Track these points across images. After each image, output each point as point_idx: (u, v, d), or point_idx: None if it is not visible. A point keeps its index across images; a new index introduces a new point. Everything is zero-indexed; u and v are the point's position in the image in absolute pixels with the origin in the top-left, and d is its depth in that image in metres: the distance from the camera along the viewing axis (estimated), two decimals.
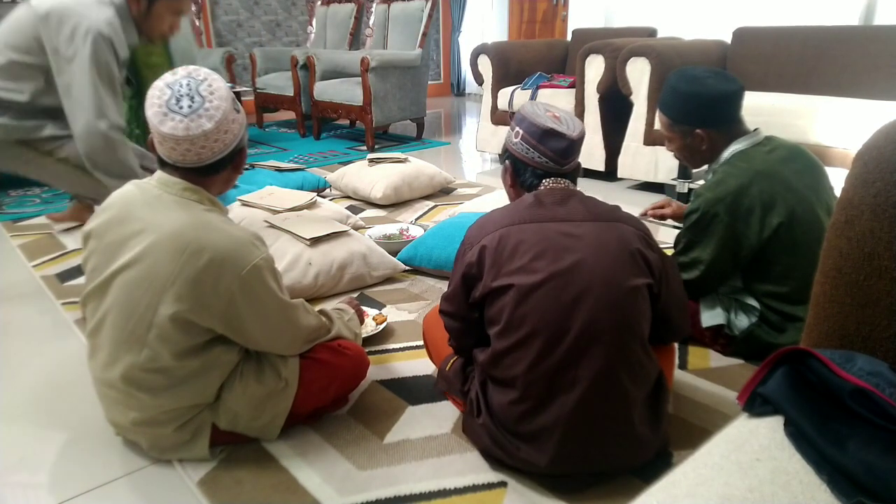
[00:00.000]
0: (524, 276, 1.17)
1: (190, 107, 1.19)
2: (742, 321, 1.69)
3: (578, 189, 1.31)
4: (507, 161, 1.36)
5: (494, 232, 1.23)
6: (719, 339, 1.75)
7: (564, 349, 1.15)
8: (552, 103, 4.17)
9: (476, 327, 1.30)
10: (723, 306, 1.72)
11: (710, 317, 1.72)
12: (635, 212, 3.12)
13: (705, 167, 1.83)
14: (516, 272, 1.18)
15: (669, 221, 2.95)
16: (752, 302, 1.69)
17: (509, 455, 1.25)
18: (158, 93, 1.20)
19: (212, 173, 1.29)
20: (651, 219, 2.16)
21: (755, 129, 1.69)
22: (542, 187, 1.29)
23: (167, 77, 1.22)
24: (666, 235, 2.81)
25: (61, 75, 1.86)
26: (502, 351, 1.21)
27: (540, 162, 1.29)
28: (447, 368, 1.45)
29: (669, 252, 2.47)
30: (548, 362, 1.16)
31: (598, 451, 1.21)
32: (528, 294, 1.17)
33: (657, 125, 3.29)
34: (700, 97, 1.63)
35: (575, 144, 1.29)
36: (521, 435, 1.22)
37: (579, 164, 1.34)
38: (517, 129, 1.32)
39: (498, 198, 2.86)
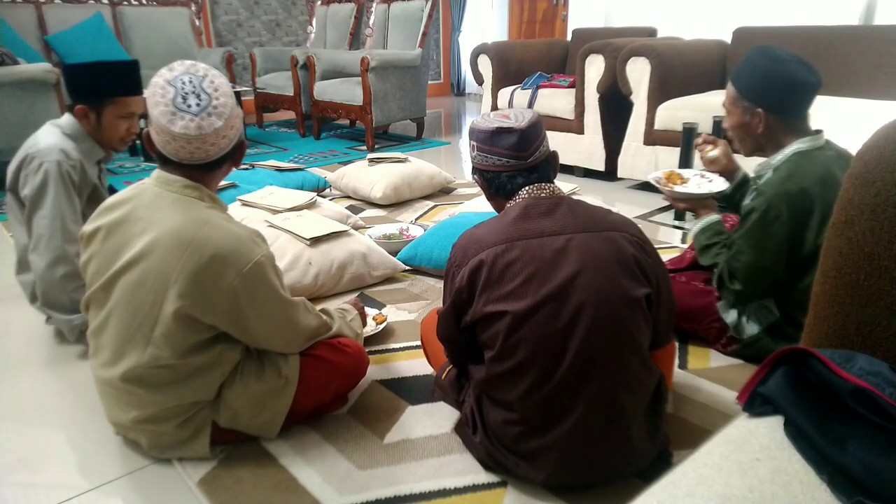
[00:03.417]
0: (517, 301, 1.13)
1: (198, 105, 1.19)
2: (752, 328, 1.66)
3: (565, 195, 1.26)
4: (475, 177, 1.33)
5: (481, 253, 1.17)
6: (722, 338, 1.74)
7: (560, 376, 1.13)
8: (552, 103, 4.13)
9: (469, 347, 1.28)
10: (738, 307, 1.69)
11: (723, 307, 1.70)
12: (635, 211, 3.12)
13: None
14: (508, 297, 1.14)
15: (670, 221, 2.96)
16: (772, 307, 1.64)
17: (506, 470, 1.25)
18: (161, 90, 1.19)
19: (214, 169, 1.30)
20: (699, 151, 1.90)
21: (818, 131, 1.61)
22: (525, 194, 1.24)
23: (165, 74, 1.21)
24: (666, 235, 2.81)
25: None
26: (497, 375, 1.19)
27: (501, 163, 1.24)
28: (443, 377, 1.45)
29: (667, 251, 2.48)
30: (543, 390, 1.15)
31: (595, 466, 1.20)
32: (521, 321, 1.12)
33: (658, 125, 3.29)
34: (775, 77, 1.54)
35: (525, 134, 1.22)
36: (519, 453, 1.22)
37: (554, 153, 1.29)
38: (471, 142, 1.29)
39: None
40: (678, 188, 1.80)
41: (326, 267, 2.17)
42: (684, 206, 1.83)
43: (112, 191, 2.03)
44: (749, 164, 1.85)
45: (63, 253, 1.79)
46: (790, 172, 1.54)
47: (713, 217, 1.75)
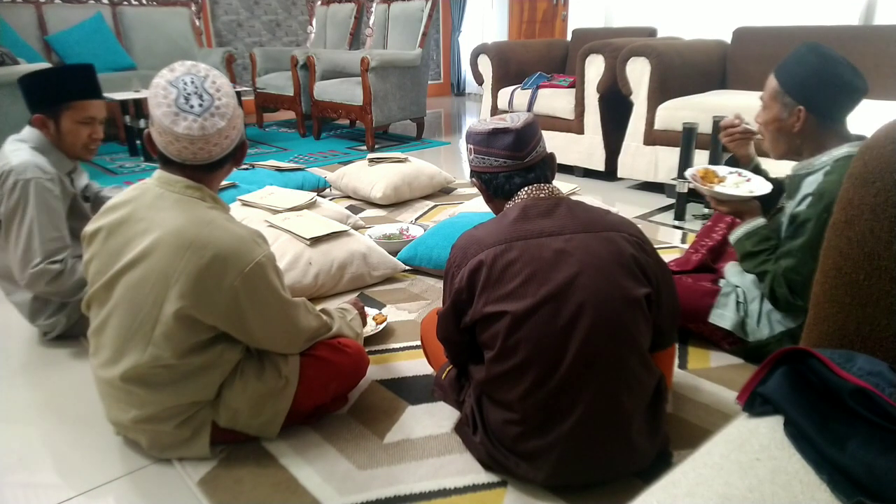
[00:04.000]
0: (516, 301, 1.13)
1: (201, 105, 1.19)
2: (763, 331, 1.64)
3: (564, 195, 1.26)
4: (473, 180, 1.34)
5: (480, 254, 1.18)
6: (728, 338, 1.72)
7: (560, 377, 1.13)
8: (552, 103, 4.13)
9: (469, 347, 1.29)
10: (736, 310, 1.68)
11: (719, 316, 1.69)
12: (635, 211, 3.12)
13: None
14: (508, 297, 1.14)
15: (670, 221, 2.96)
16: (801, 313, 1.58)
17: (506, 470, 1.25)
18: (163, 91, 1.20)
19: (216, 169, 1.30)
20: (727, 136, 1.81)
21: (862, 136, 1.53)
22: (524, 194, 1.24)
23: (166, 74, 1.21)
24: (666, 235, 2.81)
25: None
26: (497, 375, 1.19)
27: (498, 164, 1.25)
28: (443, 377, 1.45)
29: (667, 251, 2.48)
30: (543, 390, 1.15)
31: (595, 466, 1.21)
32: (521, 321, 1.13)
33: (658, 125, 3.29)
34: (824, 77, 1.48)
35: (522, 134, 1.23)
36: (519, 453, 1.22)
37: (551, 155, 1.30)
38: (469, 146, 1.30)
39: None
40: (717, 188, 1.69)
41: (326, 267, 2.17)
42: (726, 209, 1.71)
43: (84, 197, 1.99)
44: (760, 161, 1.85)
45: (53, 248, 1.74)
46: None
47: (758, 221, 1.65)
